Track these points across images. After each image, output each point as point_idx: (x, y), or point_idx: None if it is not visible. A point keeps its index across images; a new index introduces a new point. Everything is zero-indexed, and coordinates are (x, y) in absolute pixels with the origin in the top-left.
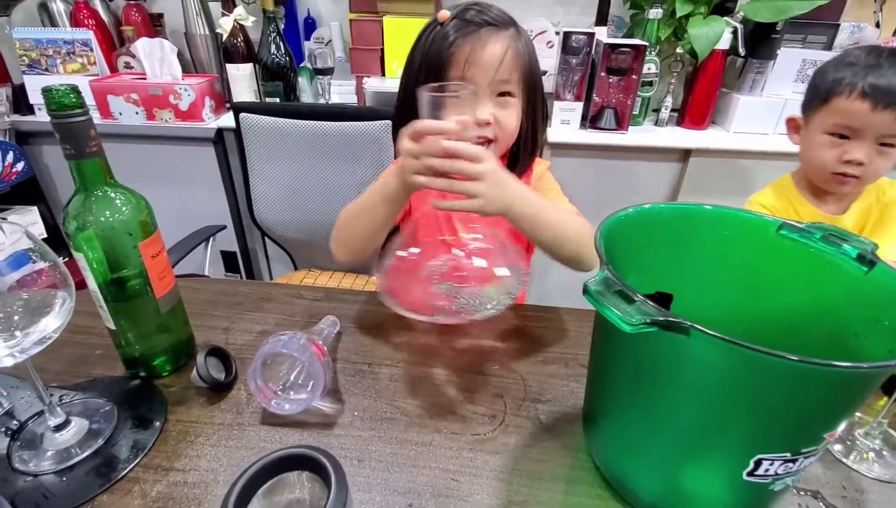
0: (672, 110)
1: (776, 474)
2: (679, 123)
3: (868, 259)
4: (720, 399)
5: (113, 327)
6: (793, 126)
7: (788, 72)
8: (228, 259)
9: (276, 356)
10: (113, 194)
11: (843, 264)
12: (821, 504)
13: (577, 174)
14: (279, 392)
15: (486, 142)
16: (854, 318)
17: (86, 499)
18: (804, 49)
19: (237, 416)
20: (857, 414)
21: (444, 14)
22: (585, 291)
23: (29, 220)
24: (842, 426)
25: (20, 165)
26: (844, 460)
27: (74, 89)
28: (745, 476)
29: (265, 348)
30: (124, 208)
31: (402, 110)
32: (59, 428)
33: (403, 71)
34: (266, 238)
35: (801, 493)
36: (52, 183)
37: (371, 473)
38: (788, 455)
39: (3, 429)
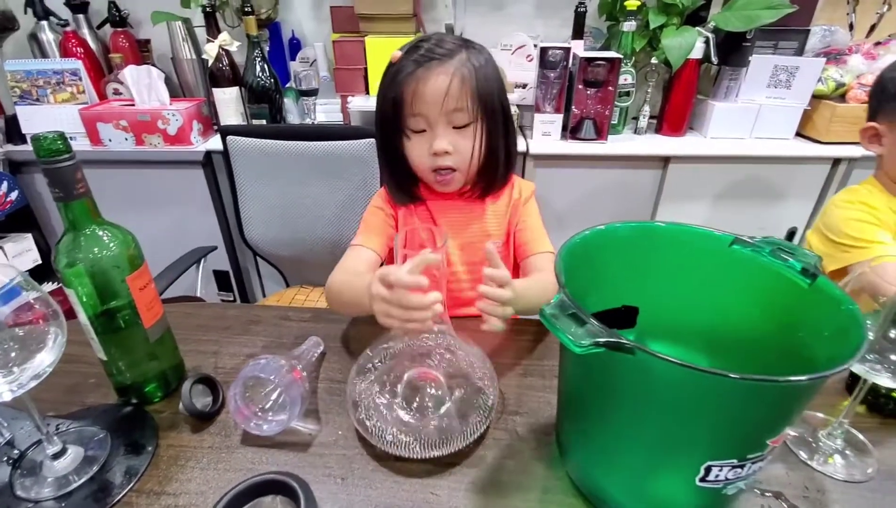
0: (651, 118)
1: (727, 479)
2: (657, 130)
3: (811, 272)
4: (669, 413)
5: (104, 357)
6: (871, 135)
7: (761, 78)
8: (221, 278)
9: (256, 379)
10: (100, 232)
11: (790, 276)
12: (783, 504)
13: (560, 184)
14: (259, 413)
15: (449, 170)
16: (802, 327)
17: None
18: (775, 55)
19: (225, 439)
20: (820, 414)
21: (396, 54)
22: (541, 314)
23: (24, 247)
24: (785, 433)
25: (14, 194)
26: (808, 462)
27: (62, 136)
28: (697, 482)
29: (245, 370)
30: (111, 245)
31: (378, 147)
32: (56, 456)
33: (375, 110)
34: (257, 257)
35: (765, 494)
36: (45, 210)
37: (353, 490)
38: (735, 461)
39: (6, 458)
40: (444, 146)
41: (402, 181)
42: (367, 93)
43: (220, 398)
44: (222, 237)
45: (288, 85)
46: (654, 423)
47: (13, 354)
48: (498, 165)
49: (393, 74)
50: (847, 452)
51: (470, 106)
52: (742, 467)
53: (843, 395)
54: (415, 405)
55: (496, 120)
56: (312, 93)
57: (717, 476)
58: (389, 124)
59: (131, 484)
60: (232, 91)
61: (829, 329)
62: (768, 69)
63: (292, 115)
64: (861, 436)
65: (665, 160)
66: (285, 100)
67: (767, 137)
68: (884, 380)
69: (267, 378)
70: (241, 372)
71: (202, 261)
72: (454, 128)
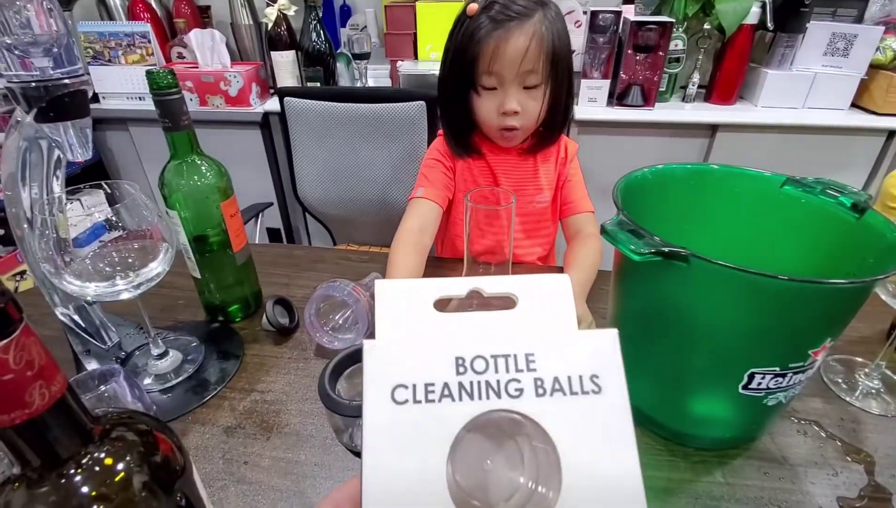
0: (699, 87)
1: (768, 388)
2: (706, 99)
3: (861, 207)
4: (719, 319)
5: (198, 275)
6: None
7: (818, 45)
8: (273, 236)
9: (328, 298)
10: (200, 162)
11: (840, 212)
12: (820, 431)
13: (603, 151)
14: (330, 332)
15: (512, 130)
16: (846, 260)
17: (187, 410)
18: (834, 22)
19: (302, 352)
20: (859, 359)
21: (473, 7)
22: (603, 230)
23: (96, 200)
24: (825, 345)
25: None
26: (845, 397)
27: (171, 72)
28: (740, 390)
29: (318, 291)
30: (209, 174)
31: (442, 98)
32: (159, 357)
33: (441, 65)
34: (307, 215)
35: (802, 422)
36: (115, 166)
37: None
38: (777, 369)
39: (115, 358)
40: (514, 106)
41: (462, 135)
42: (416, 58)
43: (295, 319)
44: (276, 196)
45: (340, 50)
46: (704, 330)
47: (130, 260)
48: (556, 123)
49: (470, 31)
50: (883, 391)
51: (542, 68)
52: (784, 376)
53: (881, 343)
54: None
55: (562, 80)
56: (365, 56)
57: (759, 383)
58: (460, 79)
59: (225, 382)
60: (289, 54)
61: (874, 256)
62: (825, 37)
63: (344, 78)
64: None
65: (713, 129)
66: (338, 64)
67: (821, 108)
68: None
69: (338, 298)
70: (315, 293)
71: (260, 216)
72: (524, 88)
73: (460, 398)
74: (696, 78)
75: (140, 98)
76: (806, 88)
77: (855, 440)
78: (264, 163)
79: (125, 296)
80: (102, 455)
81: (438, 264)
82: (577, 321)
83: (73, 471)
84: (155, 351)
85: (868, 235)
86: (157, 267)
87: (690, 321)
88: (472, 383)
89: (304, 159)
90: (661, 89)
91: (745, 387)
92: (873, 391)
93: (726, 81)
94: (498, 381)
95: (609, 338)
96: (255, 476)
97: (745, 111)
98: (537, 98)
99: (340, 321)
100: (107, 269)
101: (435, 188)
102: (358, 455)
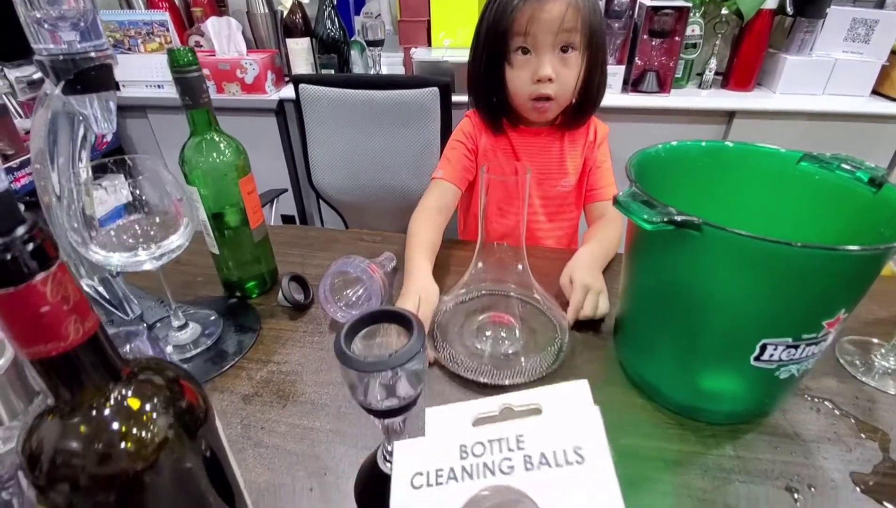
0: (716, 73)
1: (780, 360)
2: (723, 85)
3: (878, 182)
4: (730, 289)
5: (217, 252)
6: None
7: (838, 31)
8: (287, 222)
9: (343, 274)
10: (218, 139)
11: (856, 187)
12: (834, 409)
13: (618, 138)
14: (344, 308)
15: (547, 99)
16: (863, 234)
17: (206, 378)
18: (855, 7)
19: (317, 327)
20: (875, 339)
21: None
22: (615, 201)
23: (119, 184)
24: (839, 316)
25: (109, 136)
26: (861, 377)
27: (191, 51)
28: (752, 362)
29: (333, 267)
30: (227, 151)
31: (473, 78)
32: (180, 328)
33: (471, 42)
34: (321, 202)
35: (815, 399)
36: (134, 152)
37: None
38: (790, 340)
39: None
40: (549, 73)
41: (492, 111)
42: (430, 45)
43: (310, 295)
44: (290, 182)
45: (353, 38)
46: (717, 302)
47: (152, 233)
48: (588, 99)
49: (503, 3)
50: None
51: (578, 35)
52: (796, 348)
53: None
54: (487, 338)
55: (596, 53)
56: (378, 43)
57: (771, 355)
58: (492, 53)
59: (242, 353)
60: (304, 42)
61: (890, 230)
62: (846, 22)
63: (357, 66)
64: None
65: (730, 115)
66: (352, 52)
67: (842, 94)
68: None
69: (352, 273)
70: (330, 268)
71: (275, 201)
72: (560, 53)
73: (462, 480)
74: (712, 64)
75: (159, 86)
76: (826, 75)
77: (870, 418)
78: (279, 150)
79: (147, 266)
80: (131, 393)
81: (458, 245)
82: (590, 290)
83: (103, 406)
84: (175, 323)
85: (885, 209)
86: (177, 240)
87: (703, 293)
88: (471, 465)
89: (318, 146)
90: (677, 76)
91: (756, 359)
92: (890, 370)
93: (744, 67)
94: (493, 461)
95: (592, 414)
96: (272, 441)
97: (764, 98)
98: (572, 66)
99: (353, 298)
100: (130, 240)
101: (454, 170)
102: (370, 411)
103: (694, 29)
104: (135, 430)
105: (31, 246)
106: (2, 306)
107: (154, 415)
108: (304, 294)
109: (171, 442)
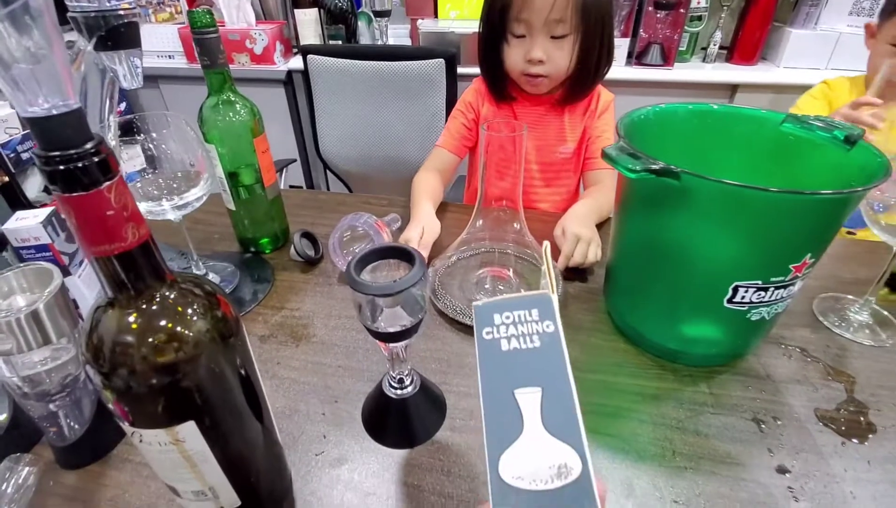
0: (721, 48)
1: (751, 302)
2: (728, 59)
3: (853, 140)
4: (707, 235)
5: (233, 207)
6: (868, 31)
7: (843, 4)
8: None
9: (351, 228)
10: (234, 99)
11: (832, 145)
12: (805, 356)
13: (622, 110)
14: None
15: (538, 77)
16: (834, 187)
17: None
18: None
19: (327, 279)
20: (850, 296)
21: None
22: (604, 154)
23: (133, 152)
24: (805, 260)
25: (122, 105)
26: (834, 329)
27: (209, 12)
28: (725, 304)
29: (342, 222)
30: (242, 111)
31: (480, 49)
32: None
33: (481, 14)
34: (328, 172)
35: (788, 346)
36: None
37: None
38: (760, 282)
39: None
40: (539, 55)
41: (496, 81)
42: (436, 16)
43: (320, 251)
44: (298, 152)
45: (361, 9)
46: (695, 249)
47: (175, 185)
48: (587, 77)
49: None
50: (871, 323)
51: (571, 18)
52: (766, 290)
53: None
54: (486, 290)
55: (594, 34)
56: (385, 14)
57: (742, 297)
58: (493, 29)
59: (258, 301)
60: (312, 12)
61: (860, 182)
62: None
63: (364, 37)
64: (886, 312)
65: (733, 89)
66: (359, 23)
67: (845, 69)
68: None
69: (360, 229)
70: (339, 224)
71: (284, 171)
72: (552, 38)
73: None
74: (717, 37)
75: (170, 56)
76: (830, 48)
77: (839, 364)
78: (288, 120)
79: (170, 216)
80: (175, 295)
81: (460, 208)
82: (580, 239)
83: (152, 302)
84: (196, 272)
85: (857, 162)
86: (198, 192)
87: (683, 241)
88: None
89: (325, 117)
90: (681, 49)
91: (729, 300)
92: (863, 324)
93: (749, 41)
94: None
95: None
96: (287, 374)
97: (767, 71)
98: (564, 49)
99: (364, 247)
100: (154, 192)
101: (452, 139)
102: (376, 335)
103: (699, 1)
104: (178, 326)
105: (97, 158)
106: (75, 207)
107: (195, 316)
108: (315, 250)
109: (209, 342)
